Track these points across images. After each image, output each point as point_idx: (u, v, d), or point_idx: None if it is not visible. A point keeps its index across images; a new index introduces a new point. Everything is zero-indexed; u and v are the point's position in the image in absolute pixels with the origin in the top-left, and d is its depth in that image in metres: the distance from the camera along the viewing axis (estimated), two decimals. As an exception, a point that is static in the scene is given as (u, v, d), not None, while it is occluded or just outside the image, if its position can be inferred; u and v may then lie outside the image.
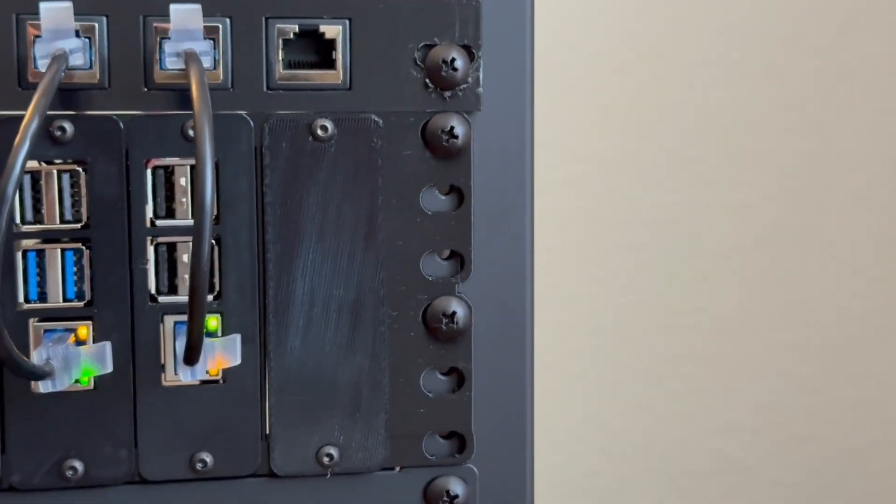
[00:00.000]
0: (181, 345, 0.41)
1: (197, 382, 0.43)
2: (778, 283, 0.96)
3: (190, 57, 0.40)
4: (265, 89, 0.43)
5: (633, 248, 0.94)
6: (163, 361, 0.43)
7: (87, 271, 0.42)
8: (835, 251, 0.96)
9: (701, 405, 0.96)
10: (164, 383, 0.43)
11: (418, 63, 0.43)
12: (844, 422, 0.98)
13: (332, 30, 0.43)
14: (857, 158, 0.95)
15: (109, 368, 0.42)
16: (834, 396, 0.97)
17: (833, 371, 0.97)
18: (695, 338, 0.96)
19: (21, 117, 0.38)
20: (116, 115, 0.42)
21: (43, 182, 0.42)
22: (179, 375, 0.42)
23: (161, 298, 0.43)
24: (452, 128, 0.43)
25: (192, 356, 0.40)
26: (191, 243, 0.42)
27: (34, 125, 0.37)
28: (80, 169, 0.42)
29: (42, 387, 0.40)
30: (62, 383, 0.40)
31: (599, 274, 0.94)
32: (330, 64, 0.43)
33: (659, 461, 0.97)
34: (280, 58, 0.43)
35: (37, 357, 0.40)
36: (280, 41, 0.43)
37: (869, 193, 0.95)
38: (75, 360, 0.41)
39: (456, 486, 0.45)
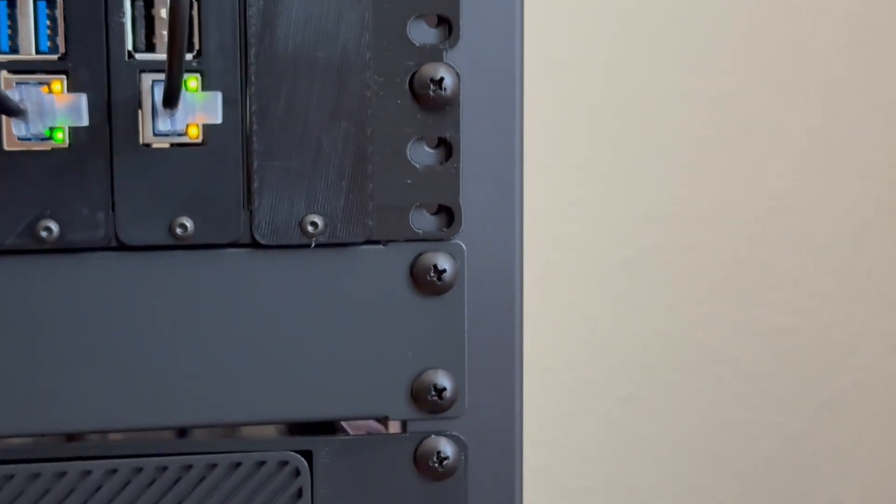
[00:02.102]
0: (160, 92, 0.40)
1: (175, 140, 0.41)
2: (759, 173, 0.95)
3: None
4: None
5: (613, 135, 0.93)
6: (140, 120, 0.41)
7: (60, 23, 0.40)
8: (817, 141, 0.95)
9: (681, 296, 0.96)
10: (142, 143, 0.41)
11: None
12: (825, 315, 0.97)
13: None
14: (841, 46, 0.94)
15: (85, 121, 0.40)
16: (814, 289, 0.97)
17: (814, 264, 0.97)
18: (676, 228, 0.95)
19: None
20: None
21: (13, -74, 0.40)
22: (158, 125, 0.40)
23: (138, 55, 0.41)
24: None
25: (171, 96, 0.38)
26: (169, -2, 0.40)
27: None
28: (51, -88, 0.40)
29: (15, 128, 0.39)
30: (35, 128, 0.39)
31: (577, 161, 0.93)
32: None
33: (639, 351, 0.96)
34: None
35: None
36: None
37: (853, 80, 0.94)
38: (49, 107, 0.39)
39: (443, 262, 0.44)
